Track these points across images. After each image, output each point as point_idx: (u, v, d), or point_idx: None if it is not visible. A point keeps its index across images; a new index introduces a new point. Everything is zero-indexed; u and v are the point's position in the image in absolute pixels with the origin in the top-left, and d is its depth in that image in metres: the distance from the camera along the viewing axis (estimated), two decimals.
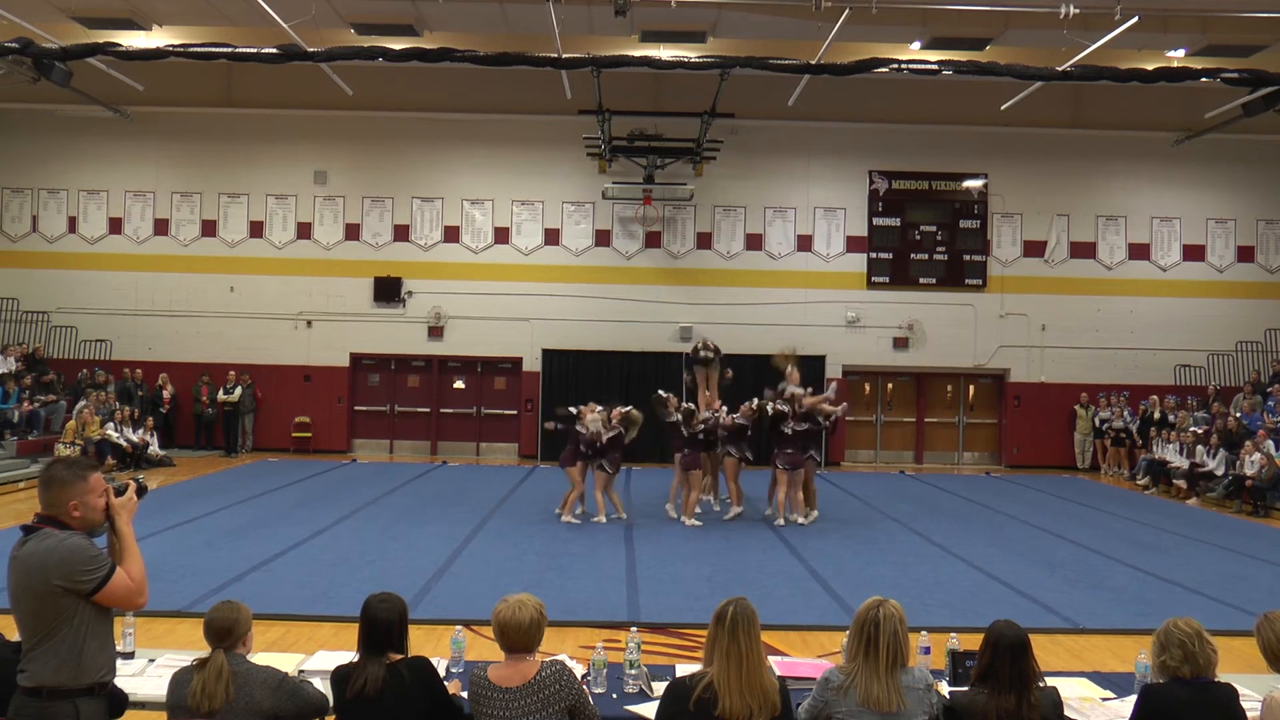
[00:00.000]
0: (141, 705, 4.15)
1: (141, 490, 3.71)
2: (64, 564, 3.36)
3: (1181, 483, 16.52)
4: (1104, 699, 4.52)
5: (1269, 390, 18.49)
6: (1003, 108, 18.92)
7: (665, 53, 16.06)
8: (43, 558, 3.37)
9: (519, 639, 3.84)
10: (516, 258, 20.44)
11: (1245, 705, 3.77)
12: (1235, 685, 3.83)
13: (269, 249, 20.44)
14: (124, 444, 17.14)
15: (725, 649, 3.65)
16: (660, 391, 13.36)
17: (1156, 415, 18.69)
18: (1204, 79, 15.08)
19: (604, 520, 12.44)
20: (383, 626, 3.87)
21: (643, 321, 20.20)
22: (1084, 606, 8.69)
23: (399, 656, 3.88)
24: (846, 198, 20.61)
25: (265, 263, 20.36)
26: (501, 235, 20.49)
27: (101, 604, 3.44)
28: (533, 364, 20.33)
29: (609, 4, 13.92)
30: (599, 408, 12.78)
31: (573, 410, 12.79)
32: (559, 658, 4.22)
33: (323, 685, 3.99)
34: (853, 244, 20.60)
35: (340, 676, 3.85)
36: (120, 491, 3.60)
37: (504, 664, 3.85)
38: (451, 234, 20.48)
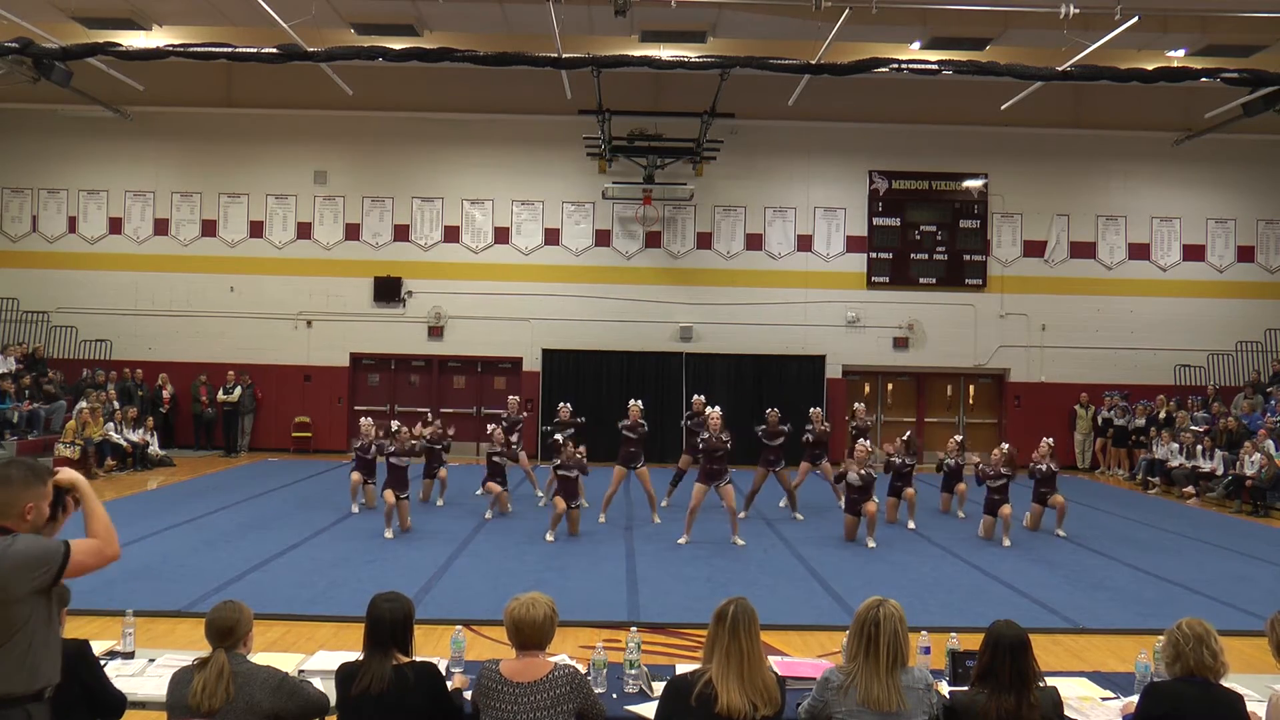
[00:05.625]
0: (141, 705, 4.15)
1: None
2: (20, 570, 3.16)
3: (1188, 488, 16.46)
4: (1104, 699, 4.51)
5: (1269, 390, 18.49)
6: (1003, 108, 18.92)
7: (665, 53, 16.05)
8: None
9: (531, 635, 3.86)
10: (516, 258, 20.44)
11: (1248, 707, 3.76)
12: (1237, 686, 3.82)
13: (269, 249, 20.44)
14: (124, 444, 17.14)
15: (726, 647, 3.66)
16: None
17: (1162, 415, 18.66)
18: (1204, 79, 15.09)
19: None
20: (388, 626, 3.89)
21: (643, 321, 20.20)
22: (1084, 606, 8.69)
23: (406, 659, 3.90)
24: (846, 198, 20.61)
25: (265, 263, 20.36)
26: (501, 235, 20.49)
27: (74, 575, 3.23)
28: (533, 364, 20.33)
29: (609, 4, 13.91)
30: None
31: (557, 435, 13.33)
32: (560, 658, 4.23)
33: (323, 685, 4.00)
34: (853, 244, 20.60)
35: (346, 674, 3.86)
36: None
37: (515, 660, 3.88)
38: (451, 234, 20.48)
